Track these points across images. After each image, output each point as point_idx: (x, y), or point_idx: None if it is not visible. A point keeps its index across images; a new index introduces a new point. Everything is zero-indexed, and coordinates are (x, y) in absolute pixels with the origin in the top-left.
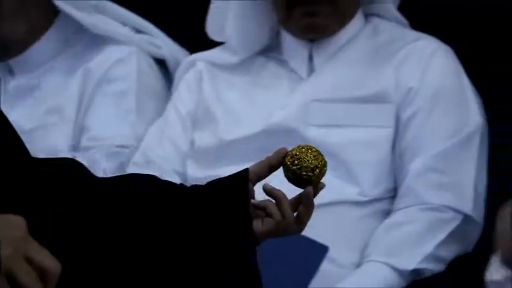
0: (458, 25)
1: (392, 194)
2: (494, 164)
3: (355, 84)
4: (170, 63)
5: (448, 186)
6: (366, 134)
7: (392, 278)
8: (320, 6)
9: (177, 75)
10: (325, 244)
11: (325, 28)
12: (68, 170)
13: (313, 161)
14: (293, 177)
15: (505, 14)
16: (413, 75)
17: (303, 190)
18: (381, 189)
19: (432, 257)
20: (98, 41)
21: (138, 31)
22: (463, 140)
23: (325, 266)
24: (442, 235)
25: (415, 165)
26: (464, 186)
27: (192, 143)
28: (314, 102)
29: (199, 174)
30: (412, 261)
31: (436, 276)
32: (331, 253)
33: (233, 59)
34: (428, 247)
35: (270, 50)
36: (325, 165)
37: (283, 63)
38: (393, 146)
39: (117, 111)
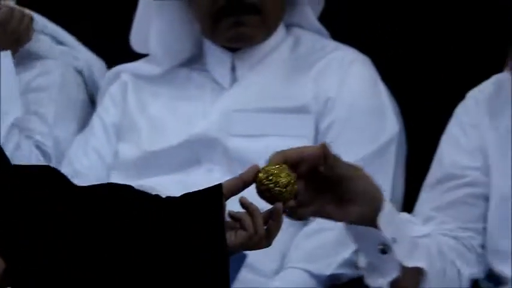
0: (381, 35)
1: None
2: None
3: (276, 95)
4: (85, 74)
5: None
6: (286, 143)
7: (310, 283)
8: (247, 17)
9: (102, 87)
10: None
11: (252, 38)
12: (45, 178)
13: (286, 178)
14: (267, 193)
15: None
16: (331, 85)
17: (272, 206)
18: None
19: (349, 263)
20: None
21: (59, 42)
22: (380, 148)
23: (245, 274)
24: None
25: None
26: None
27: (116, 154)
28: (235, 112)
29: None
30: (329, 266)
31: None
32: (251, 261)
33: (156, 70)
34: (345, 253)
35: (194, 61)
36: (295, 182)
37: (206, 73)
38: None
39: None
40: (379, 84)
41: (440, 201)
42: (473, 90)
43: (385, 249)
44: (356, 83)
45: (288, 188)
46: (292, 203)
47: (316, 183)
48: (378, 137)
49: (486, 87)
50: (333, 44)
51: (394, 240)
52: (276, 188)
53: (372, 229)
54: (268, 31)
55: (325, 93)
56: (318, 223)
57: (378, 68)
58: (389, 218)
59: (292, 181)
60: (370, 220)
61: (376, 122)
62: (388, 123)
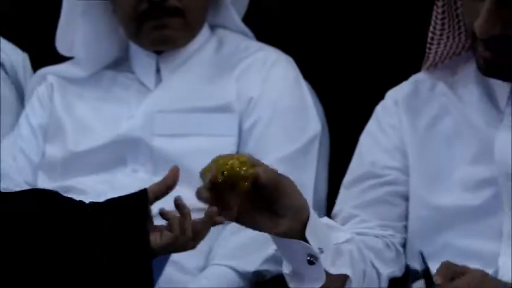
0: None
1: None
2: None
3: (199, 95)
4: (7, 67)
5: None
6: (210, 142)
7: (235, 280)
8: (170, 19)
9: (29, 88)
10: None
11: (175, 40)
12: None
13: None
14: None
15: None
16: (254, 85)
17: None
18: None
19: (273, 259)
20: None
21: None
22: (303, 146)
23: (169, 271)
24: None
25: None
26: (304, 191)
27: (43, 154)
28: (159, 112)
29: (48, 185)
30: (253, 263)
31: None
32: (175, 258)
33: (82, 73)
34: (270, 250)
35: (120, 63)
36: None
37: (132, 75)
38: None
39: None
40: (302, 83)
41: (361, 200)
42: (392, 90)
43: (312, 260)
44: (279, 82)
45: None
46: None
47: (249, 197)
48: (301, 136)
49: (404, 87)
50: (256, 44)
51: (321, 251)
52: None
53: (300, 242)
54: (191, 33)
55: (248, 93)
56: None
57: (301, 68)
58: (315, 229)
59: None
60: (299, 233)
61: (299, 120)
62: (310, 122)
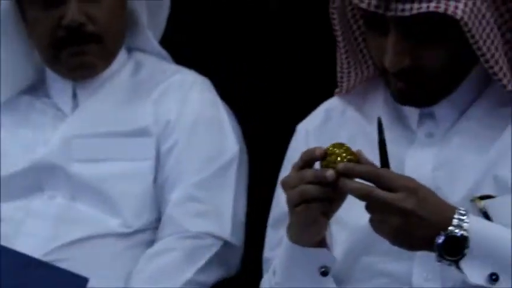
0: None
1: (156, 225)
2: None
3: (116, 119)
4: None
5: (207, 213)
6: (128, 167)
7: None
8: (88, 46)
9: None
10: (87, 276)
11: (95, 67)
12: None
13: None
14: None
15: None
16: (171, 108)
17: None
18: (144, 220)
19: (192, 283)
20: None
21: None
22: (220, 168)
23: None
24: (201, 261)
25: (175, 195)
26: (223, 213)
27: None
28: (76, 137)
29: None
30: (171, 286)
31: None
32: (94, 284)
33: None
34: (188, 273)
35: (37, 87)
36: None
37: (49, 100)
38: (155, 178)
39: None
40: (219, 105)
41: (278, 241)
42: (302, 122)
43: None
44: (195, 105)
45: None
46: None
47: None
48: (218, 158)
49: (315, 116)
50: (174, 67)
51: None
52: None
53: (323, 249)
54: (110, 58)
55: (165, 116)
56: (160, 244)
57: (219, 89)
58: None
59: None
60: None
61: (217, 142)
62: (228, 144)
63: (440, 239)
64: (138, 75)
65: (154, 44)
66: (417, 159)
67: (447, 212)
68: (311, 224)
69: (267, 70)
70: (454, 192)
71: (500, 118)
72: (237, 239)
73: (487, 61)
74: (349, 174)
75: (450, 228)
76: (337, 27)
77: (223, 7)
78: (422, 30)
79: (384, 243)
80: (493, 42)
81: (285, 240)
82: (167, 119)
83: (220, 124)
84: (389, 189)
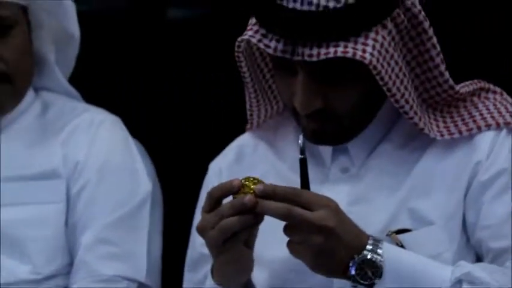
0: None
1: (69, 269)
2: None
3: (24, 162)
4: None
5: (120, 255)
6: (37, 211)
7: None
8: None
9: None
10: None
11: (3, 108)
12: None
13: None
14: None
15: None
16: (80, 148)
17: None
18: (56, 265)
19: None
20: None
21: None
22: (132, 209)
23: None
24: None
25: (86, 238)
26: (136, 254)
27: None
28: None
29: None
30: None
31: None
32: None
33: None
34: None
35: None
36: None
37: None
38: (66, 221)
39: None
40: (130, 144)
41: (196, 284)
42: (214, 160)
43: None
44: (105, 144)
45: None
46: None
47: None
48: (130, 198)
49: (228, 153)
50: (83, 105)
51: None
52: None
53: None
54: (19, 97)
55: (74, 157)
56: None
57: (130, 126)
58: None
59: None
60: None
61: (128, 182)
62: (140, 183)
63: (355, 262)
64: (46, 115)
65: (63, 83)
66: (332, 194)
67: (363, 236)
68: (237, 260)
69: (179, 108)
70: (369, 226)
71: (410, 152)
72: (152, 281)
73: (397, 101)
74: (267, 196)
75: (365, 252)
76: (244, 69)
77: (137, 47)
78: (331, 73)
79: (303, 276)
80: (402, 81)
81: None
82: (76, 160)
83: (132, 163)
84: (310, 208)
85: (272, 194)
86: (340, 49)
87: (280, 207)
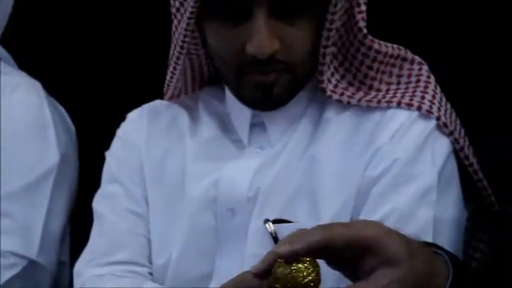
0: None
1: None
2: None
3: None
4: None
5: (14, 230)
6: None
7: None
8: None
9: None
10: None
11: None
12: None
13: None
14: None
15: None
16: None
17: None
18: None
19: None
20: None
21: None
22: (34, 181)
23: None
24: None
25: None
26: (31, 230)
27: None
28: None
29: None
30: None
31: None
32: None
33: None
34: None
35: None
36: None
37: None
38: None
39: None
40: (44, 110)
41: None
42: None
43: None
44: (16, 109)
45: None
46: None
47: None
48: (33, 169)
49: (148, 107)
50: (4, 69)
51: None
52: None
53: None
54: None
55: None
56: None
57: (56, 90)
58: None
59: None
60: None
61: (35, 151)
62: (48, 154)
63: None
64: None
65: None
66: (240, 164)
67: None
68: None
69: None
70: (272, 198)
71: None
72: (46, 259)
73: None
74: None
75: None
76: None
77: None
78: (289, 8)
79: None
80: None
81: None
82: None
83: (42, 131)
84: None
85: None
86: None
87: None
